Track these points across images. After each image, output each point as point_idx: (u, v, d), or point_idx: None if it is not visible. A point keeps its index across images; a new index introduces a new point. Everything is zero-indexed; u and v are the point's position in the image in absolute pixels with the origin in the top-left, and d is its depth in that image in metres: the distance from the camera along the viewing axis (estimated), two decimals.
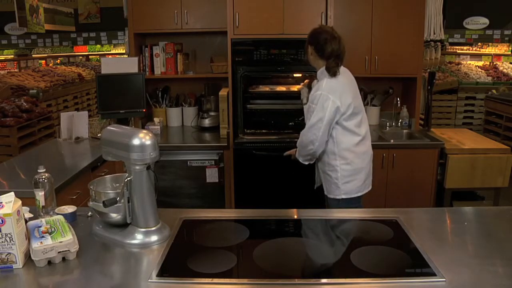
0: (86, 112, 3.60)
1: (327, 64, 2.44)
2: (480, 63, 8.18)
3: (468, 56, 8.63)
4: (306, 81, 2.91)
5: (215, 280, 1.41)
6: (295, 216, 1.95)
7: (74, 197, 2.48)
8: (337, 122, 2.45)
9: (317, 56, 2.48)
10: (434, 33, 3.82)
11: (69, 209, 1.86)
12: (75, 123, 3.42)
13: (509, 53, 8.73)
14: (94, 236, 1.72)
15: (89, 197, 1.74)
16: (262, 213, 1.97)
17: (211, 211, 2.04)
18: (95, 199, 1.71)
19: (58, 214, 1.77)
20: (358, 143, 2.51)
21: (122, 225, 1.69)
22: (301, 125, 3.25)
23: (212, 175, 3.43)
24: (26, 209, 1.77)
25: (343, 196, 2.52)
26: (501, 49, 8.86)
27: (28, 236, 1.52)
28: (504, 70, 7.61)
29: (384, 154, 3.36)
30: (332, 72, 2.42)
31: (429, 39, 3.86)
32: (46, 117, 5.19)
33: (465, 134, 3.90)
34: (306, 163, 2.63)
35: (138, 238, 1.65)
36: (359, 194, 2.56)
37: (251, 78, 3.62)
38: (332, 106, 2.39)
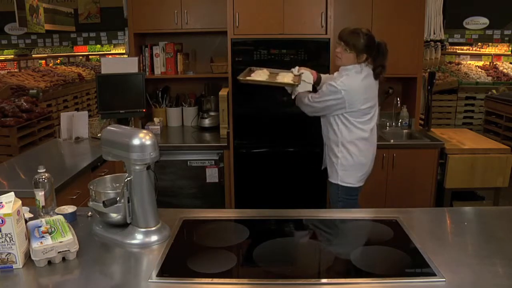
0: (86, 112, 3.60)
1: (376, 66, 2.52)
2: (480, 63, 8.18)
3: (468, 56, 8.63)
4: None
5: (215, 280, 1.41)
6: (295, 216, 1.95)
7: (74, 197, 2.48)
8: (342, 114, 2.51)
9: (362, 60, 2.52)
10: (434, 33, 3.82)
11: (69, 209, 1.86)
12: (75, 123, 3.42)
13: (509, 53, 8.73)
14: (94, 236, 1.72)
15: (89, 197, 1.74)
16: (262, 213, 1.97)
17: (211, 211, 2.05)
18: (95, 199, 1.71)
19: (58, 214, 1.77)
20: (362, 139, 2.55)
21: (122, 225, 1.69)
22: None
23: (212, 175, 3.43)
24: (26, 209, 1.77)
25: (339, 182, 2.59)
26: (501, 49, 8.86)
27: (28, 236, 1.52)
28: (504, 70, 7.60)
29: (384, 154, 3.35)
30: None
31: (429, 39, 3.86)
32: (46, 117, 5.18)
33: (465, 134, 3.89)
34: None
35: (138, 238, 1.65)
36: (356, 185, 2.61)
37: None
38: (338, 99, 2.45)
